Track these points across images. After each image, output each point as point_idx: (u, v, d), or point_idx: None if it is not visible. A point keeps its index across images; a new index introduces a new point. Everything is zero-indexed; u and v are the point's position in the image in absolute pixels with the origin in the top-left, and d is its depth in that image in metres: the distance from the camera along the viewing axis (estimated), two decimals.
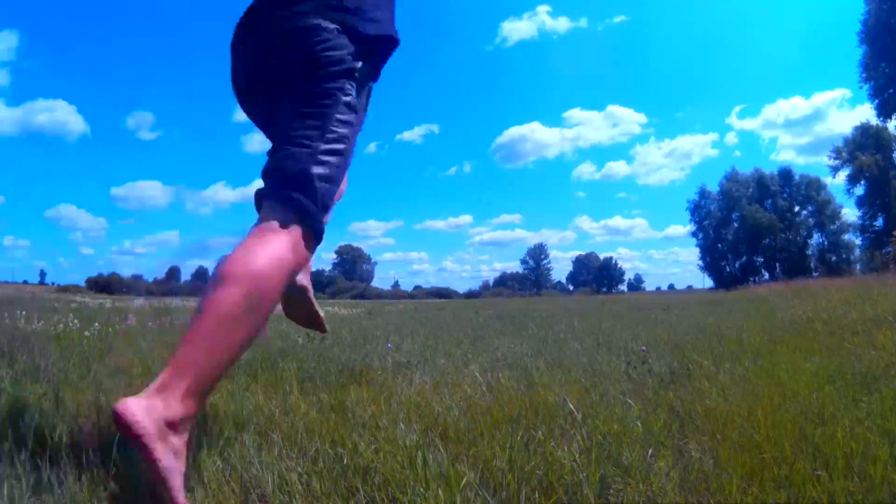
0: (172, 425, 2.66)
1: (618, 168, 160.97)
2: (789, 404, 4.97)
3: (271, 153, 2.94)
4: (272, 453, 4.20)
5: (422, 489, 3.55)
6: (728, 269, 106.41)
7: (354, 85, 2.91)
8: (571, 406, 5.07)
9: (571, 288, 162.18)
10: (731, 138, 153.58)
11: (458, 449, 4.10)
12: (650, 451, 4.01)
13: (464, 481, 3.56)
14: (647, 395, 5.72)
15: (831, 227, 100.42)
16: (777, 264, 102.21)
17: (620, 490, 3.57)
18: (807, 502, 3.35)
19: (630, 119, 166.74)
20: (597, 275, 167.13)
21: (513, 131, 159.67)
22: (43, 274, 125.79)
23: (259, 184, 3.16)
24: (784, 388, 5.61)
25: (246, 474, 3.88)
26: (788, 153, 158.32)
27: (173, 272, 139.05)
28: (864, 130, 77.50)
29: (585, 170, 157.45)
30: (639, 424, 4.61)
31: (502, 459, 3.86)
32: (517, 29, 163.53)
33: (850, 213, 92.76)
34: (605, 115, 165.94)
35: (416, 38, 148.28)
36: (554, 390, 5.80)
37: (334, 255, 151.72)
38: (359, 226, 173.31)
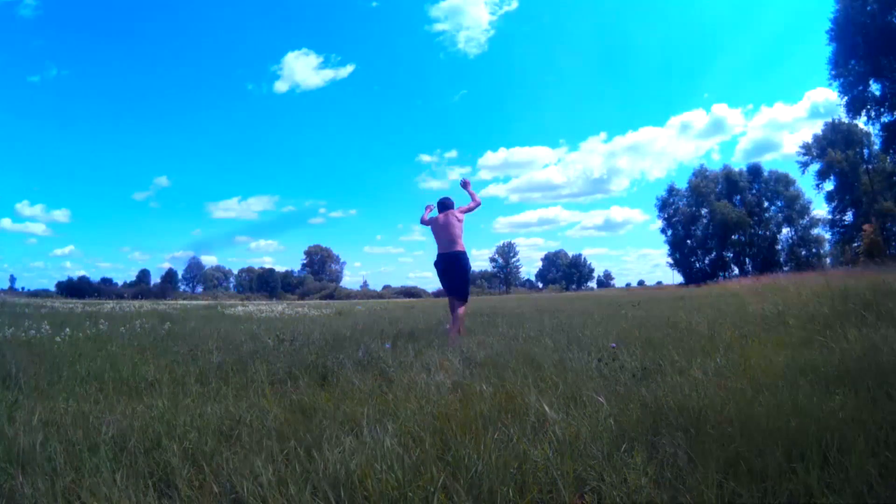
0: None
1: (596, 166, 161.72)
2: (762, 397, 4.98)
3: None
4: (243, 456, 4.17)
5: (395, 492, 3.54)
6: (697, 265, 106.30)
7: None
8: (545, 407, 5.08)
9: (541, 285, 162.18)
10: (725, 139, 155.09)
11: (431, 449, 4.08)
12: (623, 447, 4.02)
13: (439, 482, 3.55)
14: (619, 391, 5.72)
15: (801, 222, 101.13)
16: (747, 259, 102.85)
17: (595, 486, 3.58)
18: (783, 495, 3.36)
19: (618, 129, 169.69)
20: (566, 272, 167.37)
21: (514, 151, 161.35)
22: (13, 279, 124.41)
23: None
24: (756, 382, 5.62)
25: (218, 478, 3.86)
26: (788, 153, 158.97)
27: (143, 275, 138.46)
28: (834, 127, 78.22)
29: (559, 172, 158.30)
30: (611, 421, 4.61)
31: (476, 459, 3.84)
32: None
33: (819, 207, 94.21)
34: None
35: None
36: (526, 389, 5.79)
37: (304, 256, 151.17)
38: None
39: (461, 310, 12.13)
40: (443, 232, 12.41)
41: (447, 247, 12.35)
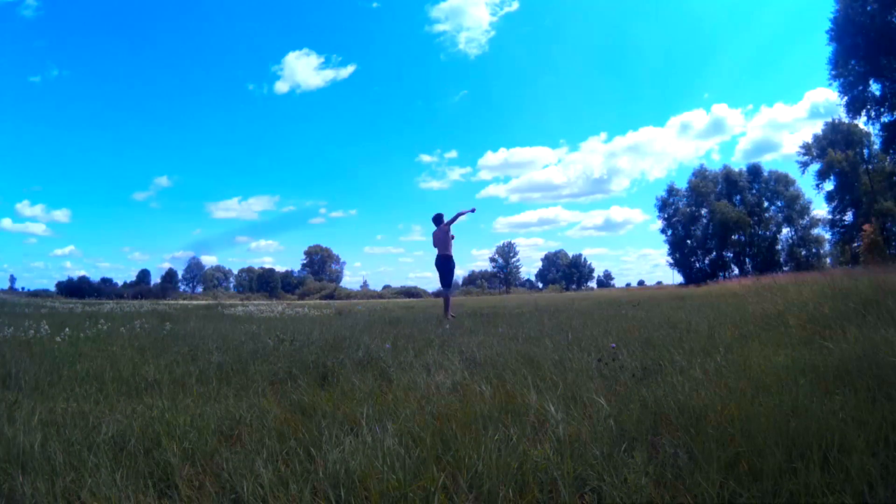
0: None
1: (596, 167, 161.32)
2: (763, 397, 4.97)
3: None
4: (243, 456, 4.17)
5: (396, 492, 3.53)
6: (697, 265, 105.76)
7: None
8: (551, 406, 5.07)
9: (541, 285, 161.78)
10: (725, 140, 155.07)
11: (431, 450, 4.07)
12: (623, 447, 4.01)
13: (439, 482, 3.55)
14: (619, 390, 5.71)
15: (801, 222, 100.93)
16: (747, 259, 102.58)
17: (595, 486, 3.57)
18: (783, 495, 3.35)
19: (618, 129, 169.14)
20: (566, 272, 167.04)
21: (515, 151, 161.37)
22: (13, 279, 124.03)
23: None
24: (757, 382, 5.61)
25: (218, 478, 3.86)
26: (787, 153, 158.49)
27: (143, 275, 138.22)
28: (834, 127, 78.17)
29: (559, 172, 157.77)
30: (611, 421, 4.61)
31: (476, 459, 3.84)
32: None
33: (819, 207, 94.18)
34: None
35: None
36: (526, 389, 5.78)
37: (304, 256, 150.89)
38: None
39: (450, 298, 19.10)
40: (438, 242, 19.41)
41: (442, 251, 19.37)
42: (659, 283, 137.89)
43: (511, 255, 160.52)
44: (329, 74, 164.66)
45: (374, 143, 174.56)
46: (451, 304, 19.45)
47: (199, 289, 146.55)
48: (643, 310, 18.05)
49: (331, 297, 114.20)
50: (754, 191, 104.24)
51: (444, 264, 19.49)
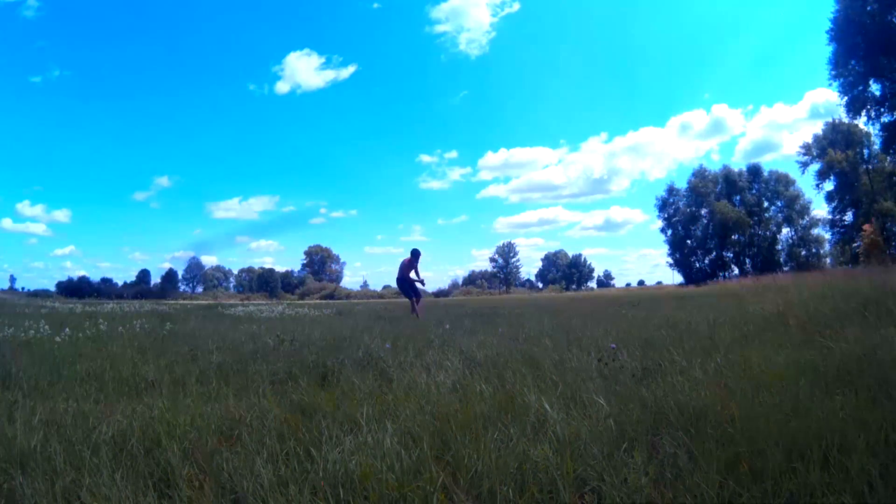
0: None
1: (597, 168, 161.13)
2: (763, 397, 4.97)
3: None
4: (243, 457, 4.17)
5: (395, 492, 3.53)
6: (697, 265, 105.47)
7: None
8: (546, 406, 5.07)
9: (541, 285, 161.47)
10: (725, 140, 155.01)
11: (430, 450, 4.07)
12: (623, 447, 4.01)
13: (439, 482, 3.55)
14: (619, 390, 5.71)
15: (801, 222, 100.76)
16: (747, 259, 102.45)
17: (595, 486, 3.57)
18: (783, 495, 3.35)
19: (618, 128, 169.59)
20: (566, 272, 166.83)
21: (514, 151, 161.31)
22: (13, 279, 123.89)
23: None
24: (757, 382, 5.60)
25: (218, 478, 3.85)
26: (787, 154, 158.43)
27: (143, 275, 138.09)
28: (834, 127, 78.04)
29: (559, 172, 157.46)
30: (611, 421, 4.60)
31: (476, 459, 3.83)
32: None
33: (819, 207, 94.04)
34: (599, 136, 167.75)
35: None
36: (526, 389, 5.78)
37: (304, 256, 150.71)
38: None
39: (419, 304, 22.26)
40: (403, 268, 22.46)
41: (403, 275, 22.44)
42: (659, 283, 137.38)
43: (511, 255, 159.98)
44: (330, 75, 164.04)
45: (375, 143, 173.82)
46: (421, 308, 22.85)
47: (200, 289, 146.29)
48: (643, 310, 18.07)
49: (331, 297, 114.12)
50: (754, 191, 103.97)
51: (403, 284, 23.25)
